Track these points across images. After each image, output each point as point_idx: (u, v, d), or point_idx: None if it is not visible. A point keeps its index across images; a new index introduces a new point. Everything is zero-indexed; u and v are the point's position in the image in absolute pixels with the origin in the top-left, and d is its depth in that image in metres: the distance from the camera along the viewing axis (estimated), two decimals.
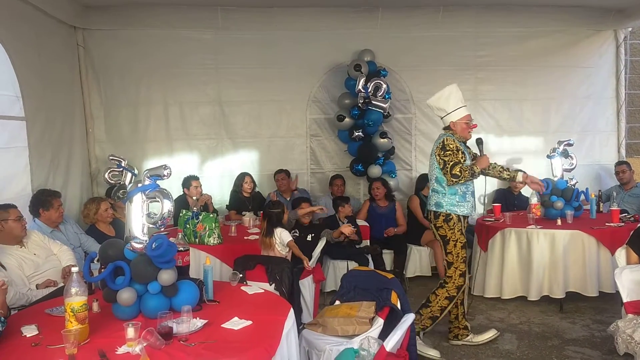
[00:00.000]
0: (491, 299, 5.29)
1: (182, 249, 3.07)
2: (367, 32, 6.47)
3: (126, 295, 2.52)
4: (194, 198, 5.56)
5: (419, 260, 6.04)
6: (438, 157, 4.04)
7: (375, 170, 6.29)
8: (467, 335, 4.26)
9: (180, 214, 4.79)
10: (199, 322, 2.51)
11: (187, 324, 2.40)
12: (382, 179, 6.24)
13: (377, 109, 6.06)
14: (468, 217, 4.16)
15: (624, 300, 3.50)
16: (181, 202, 5.60)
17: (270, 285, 3.97)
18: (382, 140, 6.21)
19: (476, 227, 5.66)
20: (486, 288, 5.35)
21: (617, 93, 7.02)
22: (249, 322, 2.57)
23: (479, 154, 4.15)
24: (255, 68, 6.42)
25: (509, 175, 4.19)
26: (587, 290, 4.96)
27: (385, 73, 6.28)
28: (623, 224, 5.10)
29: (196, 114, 6.49)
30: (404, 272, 5.94)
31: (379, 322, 3.23)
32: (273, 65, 6.44)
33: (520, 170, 4.29)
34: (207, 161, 6.56)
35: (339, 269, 5.29)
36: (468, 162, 4.06)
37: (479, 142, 4.21)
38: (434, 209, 4.13)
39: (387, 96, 6.13)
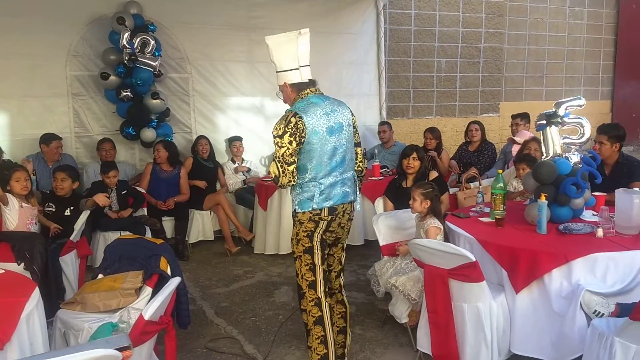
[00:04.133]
0: (271, 255, 5.47)
1: None
2: None
3: None
4: None
5: (201, 225, 5.90)
6: None
7: (148, 134, 5.84)
8: None
9: None
10: None
11: None
12: (165, 141, 5.85)
13: (146, 67, 5.58)
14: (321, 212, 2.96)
15: (380, 244, 3.85)
16: None
17: (19, 264, 3.46)
18: (154, 101, 5.75)
19: (256, 188, 5.78)
20: (266, 246, 5.52)
21: (378, 59, 7.62)
22: None
23: None
24: None
25: None
26: (354, 239, 5.40)
27: (154, 28, 5.78)
28: (383, 177, 5.68)
29: None
30: (187, 238, 5.75)
31: (147, 292, 3.04)
32: (20, 13, 5.42)
33: None
34: None
35: (111, 241, 4.84)
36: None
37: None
38: None
39: (157, 53, 5.68)
